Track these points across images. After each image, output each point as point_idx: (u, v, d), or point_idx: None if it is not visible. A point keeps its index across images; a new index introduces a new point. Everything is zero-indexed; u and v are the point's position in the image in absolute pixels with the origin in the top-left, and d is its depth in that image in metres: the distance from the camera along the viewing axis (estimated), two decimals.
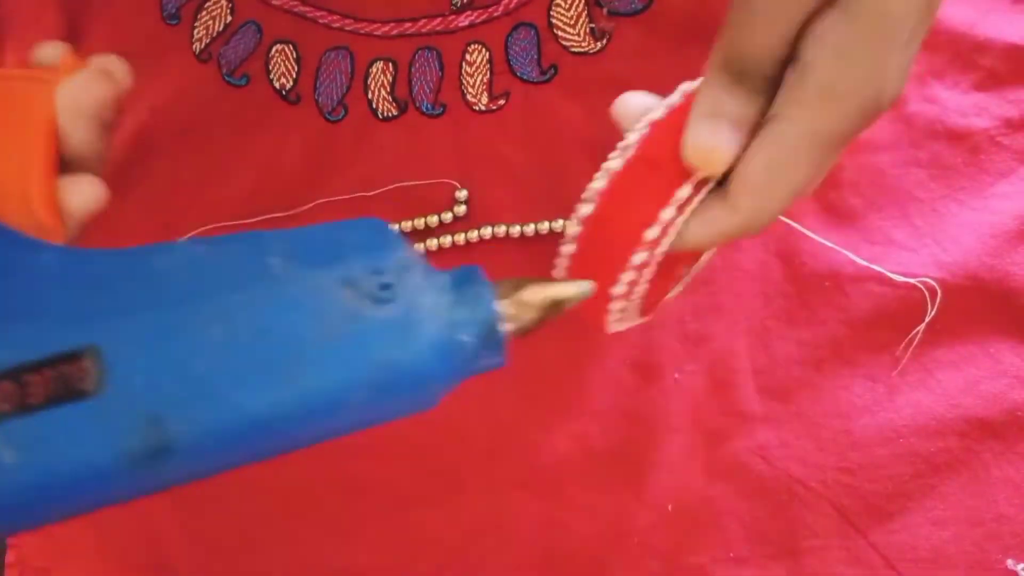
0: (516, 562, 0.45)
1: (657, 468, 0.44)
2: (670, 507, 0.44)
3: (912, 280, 0.45)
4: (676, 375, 0.45)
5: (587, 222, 0.33)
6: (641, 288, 0.33)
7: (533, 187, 0.46)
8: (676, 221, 0.32)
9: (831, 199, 0.46)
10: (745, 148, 0.31)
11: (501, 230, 0.45)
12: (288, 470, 0.46)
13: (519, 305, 0.30)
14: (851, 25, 0.29)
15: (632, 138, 0.33)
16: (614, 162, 0.33)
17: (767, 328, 0.45)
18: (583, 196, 0.34)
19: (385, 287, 0.27)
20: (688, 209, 0.32)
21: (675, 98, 0.33)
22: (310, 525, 0.46)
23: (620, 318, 0.34)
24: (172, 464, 0.26)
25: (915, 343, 0.45)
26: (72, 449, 0.24)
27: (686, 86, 0.33)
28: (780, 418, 0.45)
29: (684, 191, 0.32)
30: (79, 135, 0.30)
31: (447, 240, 0.45)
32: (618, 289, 0.33)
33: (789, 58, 0.30)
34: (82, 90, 0.30)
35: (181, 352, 0.25)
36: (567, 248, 0.34)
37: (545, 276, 0.32)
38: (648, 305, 0.35)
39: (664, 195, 0.32)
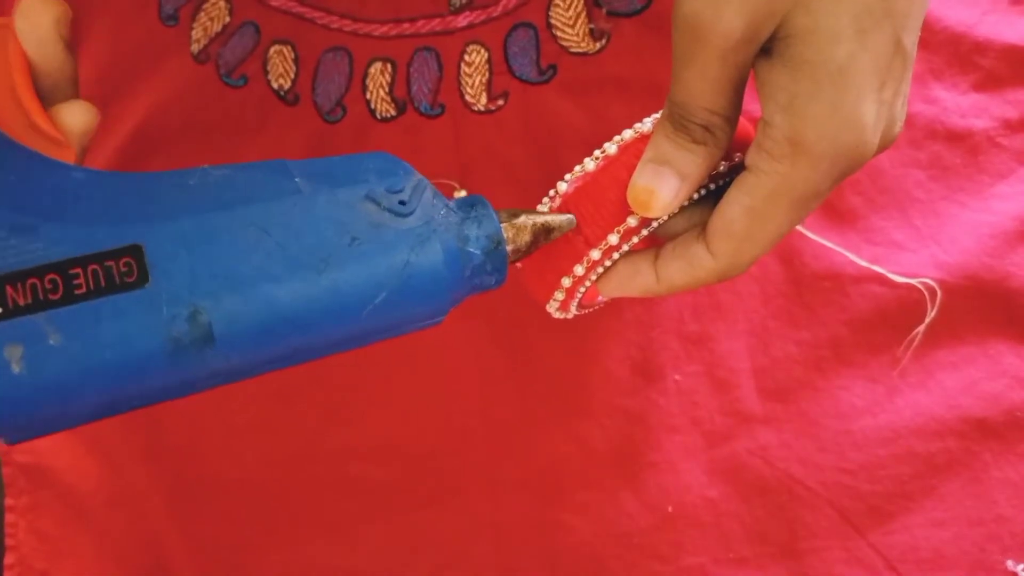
0: (516, 563, 0.45)
1: (657, 469, 0.44)
2: (670, 508, 0.44)
3: (912, 281, 0.45)
4: (676, 376, 0.45)
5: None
6: (582, 289, 0.35)
7: (532, 186, 0.45)
8: (621, 248, 0.34)
9: (831, 200, 0.45)
10: (685, 199, 0.32)
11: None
12: (287, 472, 0.46)
13: (516, 228, 0.32)
14: (797, 80, 0.29)
15: (587, 165, 0.35)
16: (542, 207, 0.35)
17: (767, 329, 0.45)
18: (550, 193, 0.35)
19: (403, 203, 0.30)
20: (633, 239, 0.34)
21: (611, 149, 0.34)
22: (308, 526, 0.46)
23: (559, 307, 0.36)
24: (212, 355, 0.27)
25: (915, 344, 0.45)
26: (116, 335, 0.26)
27: (637, 127, 0.34)
28: (780, 419, 0.44)
29: (632, 221, 0.33)
30: (49, 59, 0.31)
31: None
32: (564, 281, 0.35)
33: (734, 109, 0.31)
34: (35, 15, 0.31)
35: (219, 252, 0.27)
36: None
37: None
38: (584, 303, 0.37)
39: (611, 222, 0.34)
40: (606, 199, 0.33)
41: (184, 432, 0.47)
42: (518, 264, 0.36)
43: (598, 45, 0.46)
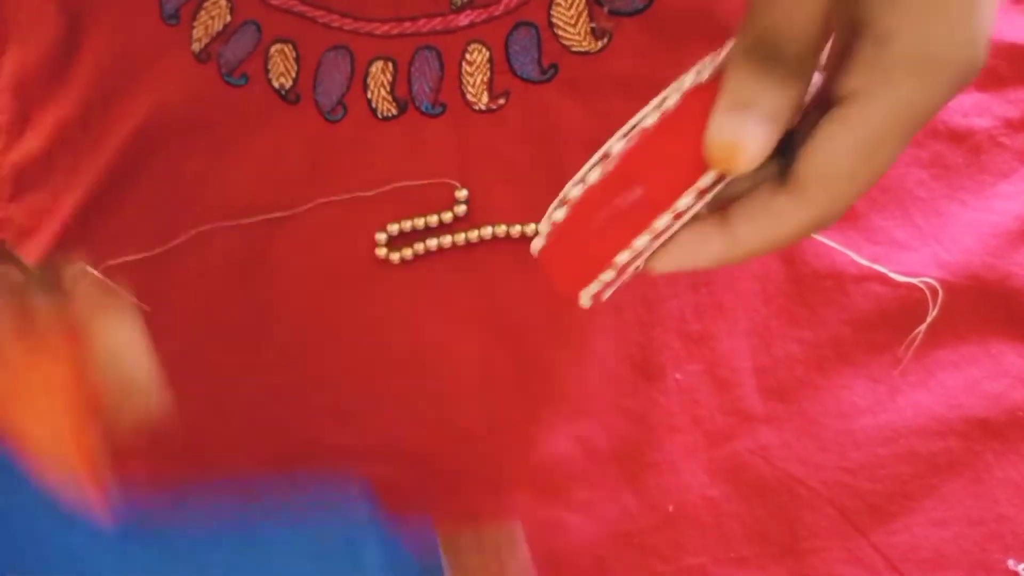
0: None
1: (658, 468, 0.44)
2: (671, 507, 0.44)
3: (913, 280, 0.44)
4: (677, 375, 0.45)
5: (572, 214, 0.30)
6: (639, 264, 0.31)
7: (533, 186, 0.46)
8: (671, 228, 0.29)
9: None
10: (773, 146, 0.28)
11: (501, 230, 0.45)
12: (286, 470, 0.46)
13: None
14: None
15: (616, 147, 0.30)
16: (593, 173, 0.30)
17: (768, 328, 0.45)
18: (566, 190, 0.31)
19: None
20: (704, 200, 0.29)
21: (672, 100, 0.29)
22: None
23: (599, 291, 0.31)
24: None
25: (916, 343, 0.45)
26: None
27: (683, 82, 0.29)
28: (781, 418, 0.44)
29: (685, 200, 0.29)
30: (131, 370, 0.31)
31: (447, 240, 0.45)
32: (620, 258, 0.30)
33: (831, 30, 0.27)
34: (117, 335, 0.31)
35: None
36: (549, 226, 0.31)
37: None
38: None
39: (680, 183, 0.28)
40: (673, 156, 0.28)
41: (184, 431, 0.46)
42: (537, 249, 0.31)
43: (600, 44, 0.46)
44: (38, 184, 0.49)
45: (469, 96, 0.46)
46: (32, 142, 0.49)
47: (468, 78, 0.46)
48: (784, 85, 0.27)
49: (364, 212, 0.46)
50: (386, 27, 0.47)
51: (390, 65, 0.47)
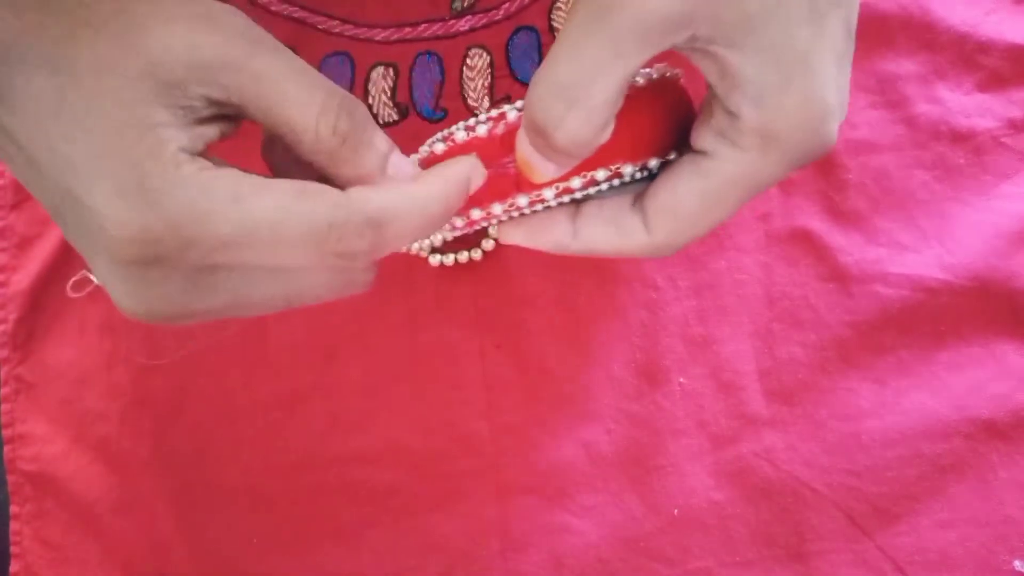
0: (521, 566, 0.45)
1: (663, 472, 0.44)
2: (676, 511, 0.44)
3: (917, 282, 0.44)
4: (681, 379, 0.45)
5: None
6: (486, 224, 0.33)
7: None
8: (527, 209, 0.32)
9: (835, 201, 0.45)
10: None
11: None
12: (292, 477, 0.46)
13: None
14: (764, 70, 0.28)
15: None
16: (481, 127, 0.32)
17: (771, 331, 0.45)
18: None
19: None
20: (565, 198, 0.32)
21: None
22: (314, 532, 0.46)
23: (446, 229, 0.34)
24: None
25: (920, 345, 0.45)
26: None
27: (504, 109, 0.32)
28: (786, 421, 0.44)
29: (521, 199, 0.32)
30: None
31: (449, 258, 0.45)
32: (474, 213, 0.33)
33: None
34: None
35: None
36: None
37: None
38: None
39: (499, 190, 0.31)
40: None
41: (190, 439, 0.46)
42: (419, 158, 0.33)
43: None
44: None
45: (470, 101, 0.46)
46: None
47: (469, 83, 0.46)
48: (558, 162, 0.30)
49: None
50: (386, 33, 0.47)
51: (391, 71, 0.47)
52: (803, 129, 0.28)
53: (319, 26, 0.47)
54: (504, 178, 0.31)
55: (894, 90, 0.46)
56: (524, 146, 0.30)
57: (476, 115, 0.33)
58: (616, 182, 0.32)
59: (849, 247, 0.45)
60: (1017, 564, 0.43)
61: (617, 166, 0.31)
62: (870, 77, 0.46)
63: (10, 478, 0.48)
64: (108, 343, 0.47)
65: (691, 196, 0.30)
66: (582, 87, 0.27)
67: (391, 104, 0.46)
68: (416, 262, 0.46)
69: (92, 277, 0.46)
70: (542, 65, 0.28)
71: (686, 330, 0.45)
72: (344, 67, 0.47)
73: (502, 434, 0.45)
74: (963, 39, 0.46)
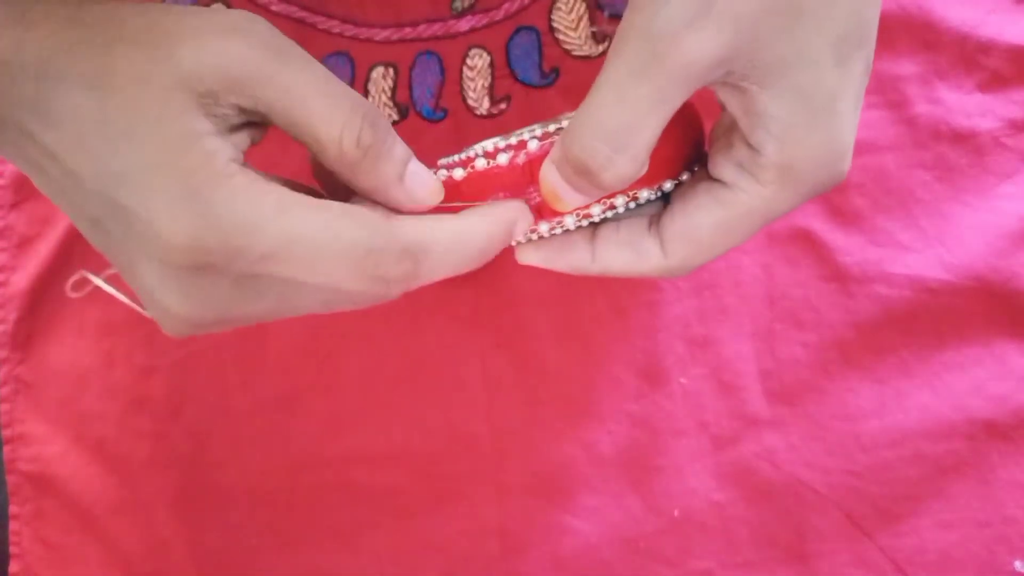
0: (522, 567, 0.45)
1: (664, 473, 0.44)
2: (677, 512, 0.44)
3: (918, 282, 0.44)
4: (682, 379, 0.45)
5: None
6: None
7: None
8: (547, 234, 0.33)
9: (836, 201, 0.45)
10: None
11: None
12: (292, 478, 0.46)
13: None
14: (793, 110, 0.29)
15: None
16: (503, 156, 0.32)
17: (773, 331, 0.45)
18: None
19: None
20: (584, 223, 0.33)
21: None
22: (314, 533, 0.46)
23: None
24: None
25: (921, 345, 0.45)
26: None
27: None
28: (787, 421, 0.44)
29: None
30: None
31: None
32: None
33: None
34: None
35: None
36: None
37: None
38: None
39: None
40: None
41: (189, 439, 0.46)
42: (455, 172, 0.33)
43: (600, 48, 0.46)
44: (39, 192, 0.49)
45: (470, 101, 0.46)
46: None
47: (469, 83, 0.46)
48: (593, 196, 0.31)
49: None
50: (387, 33, 0.47)
51: (391, 71, 0.47)
52: (823, 166, 0.30)
53: (319, 26, 0.47)
54: (527, 207, 0.32)
55: (894, 90, 0.46)
56: (552, 178, 0.31)
57: (495, 141, 0.33)
58: (632, 205, 0.33)
59: (850, 247, 0.45)
60: (1017, 564, 0.43)
61: (635, 191, 0.32)
62: (870, 77, 0.46)
63: (10, 478, 0.48)
64: (108, 343, 0.47)
65: (709, 224, 0.31)
66: (630, 133, 0.28)
67: (391, 104, 0.46)
68: None
69: (92, 277, 0.46)
70: (586, 107, 0.29)
71: (687, 330, 0.45)
72: (344, 67, 0.47)
73: (502, 434, 0.45)
74: (964, 39, 0.46)
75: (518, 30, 0.46)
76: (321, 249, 0.28)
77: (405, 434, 0.45)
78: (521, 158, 0.32)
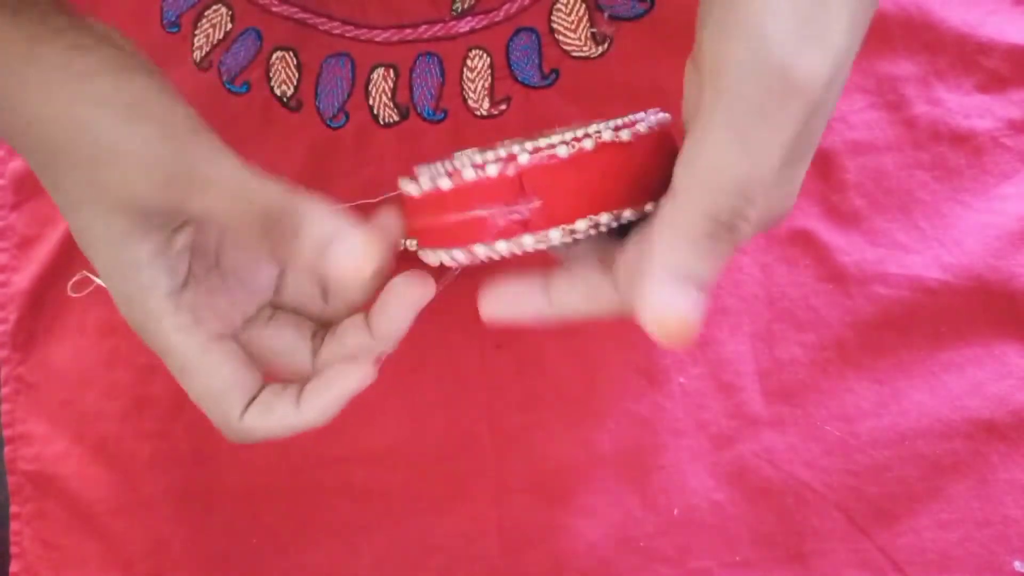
0: (522, 567, 0.45)
1: (663, 472, 0.44)
2: (676, 511, 0.44)
3: (917, 282, 0.44)
4: (681, 379, 0.45)
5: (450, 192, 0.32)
6: (462, 263, 0.34)
7: None
8: (529, 249, 0.32)
9: (835, 201, 0.45)
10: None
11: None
12: (293, 478, 0.46)
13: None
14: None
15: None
16: (492, 167, 0.31)
17: (771, 331, 0.45)
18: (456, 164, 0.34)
19: None
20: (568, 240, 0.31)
21: (587, 144, 0.31)
22: (315, 533, 0.46)
23: (440, 256, 0.34)
24: None
25: (920, 346, 0.45)
26: None
27: (601, 130, 0.31)
28: (786, 421, 0.44)
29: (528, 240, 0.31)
30: None
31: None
32: (478, 249, 0.32)
33: None
34: None
35: None
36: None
37: None
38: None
39: (560, 219, 0.31)
40: (570, 193, 0.30)
41: (189, 439, 0.46)
42: (406, 193, 0.34)
43: (600, 49, 0.46)
44: (40, 192, 0.49)
45: (470, 102, 0.46)
46: None
47: (469, 84, 0.47)
48: (725, 255, 0.27)
49: (366, 218, 0.46)
50: (387, 34, 0.47)
51: (391, 72, 0.47)
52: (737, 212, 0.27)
53: (320, 27, 0.47)
54: (513, 218, 0.31)
55: (893, 91, 0.46)
56: (667, 295, 0.27)
57: (481, 152, 0.33)
58: (613, 224, 0.31)
59: (848, 247, 0.45)
60: (1017, 564, 0.43)
61: (621, 211, 0.31)
62: (869, 78, 0.46)
63: (10, 478, 0.48)
64: (108, 343, 0.47)
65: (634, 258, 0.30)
66: (761, 180, 0.26)
67: (391, 105, 0.47)
68: (416, 261, 0.46)
69: (93, 277, 0.47)
70: (699, 156, 0.26)
71: None
72: (345, 68, 0.47)
73: (502, 434, 0.45)
74: (963, 40, 0.46)
75: (518, 31, 0.46)
76: (196, 395, 0.34)
77: (405, 434, 0.45)
78: (511, 170, 0.31)
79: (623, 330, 0.45)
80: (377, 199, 0.46)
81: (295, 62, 0.47)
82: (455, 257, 0.33)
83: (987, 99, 0.46)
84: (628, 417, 0.45)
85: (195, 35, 0.47)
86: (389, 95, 0.47)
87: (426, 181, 0.32)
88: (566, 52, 0.46)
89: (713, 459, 0.44)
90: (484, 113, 0.46)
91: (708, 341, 0.45)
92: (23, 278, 0.48)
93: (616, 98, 0.46)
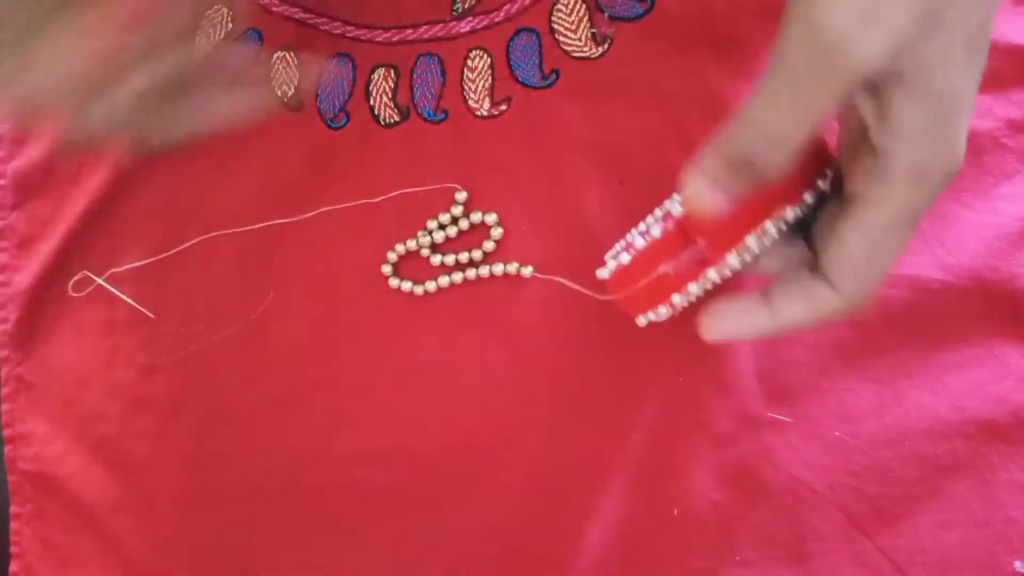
0: (522, 566, 0.45)
1: (663, 472, 0.44)
2: (676, 511, 0.44)
3: (917, 282, 0.44)
4: (681, 379, 0.45)
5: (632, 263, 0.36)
6: (669, 314, 0.37)
7: (535, 192, 0.46)
8: (716, 280, 0.35)
9: None
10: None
11: (499, 269, 0.45)
12: (293, 477, 0.46)
13: None
14: (925, 111, 0.30)
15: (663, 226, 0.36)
16: (655, 228, 0.36)
17: None
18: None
19: None
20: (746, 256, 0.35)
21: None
22: (315, 531, 0.46)
23: (653, 318, 0.38)
24: None
25: (920, 346, 0.45)
26: None
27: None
28: (786, 422, 0.44)
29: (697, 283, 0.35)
30: None
31: (458, 277, 0.45)
32: (676, 299, 0.36)
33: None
34: None
35: None
36: (614, 265, 0.37)
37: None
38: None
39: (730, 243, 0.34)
40: (727, 221, 0.33)
41: (190, 439, 0.47)
42: (604, 279, 0.37)
43: (600, 50, 0.46)
44: (41, 192, 0.49)
45: (471, 102, 0.46)
46: (34, 150, 0.49)
47: (470, 84, 0.47)
48: (745, 187, 0.31)
49: (367, 218, 0.46)
50: (388, 34, 0.47)
51: (392, 72, 0.47)
52: (949, 162, 0.31)
53: (321, 27, 0.47)
54: (692, 261, 0.35)
55: None
56: (697, 181, 0.32)
57: (644, 224, 0.38)
58: (783, 226, 0.34)
59: None
60: (1017, 564, 0.43)
61: (780, 212, 0.34)
62: None
63: (10, 478, 0.48)
64: (108, 343, 0.47)
65: (860, 245, 0.32)
66: (791, 137, 0.30)
67: (392, 105, 0.47)
68: (417, 262, 0.46)
69: (93, 277, 0.47)
70: (751, 111, 0.30)
71: (686, 330, 0.45)
72: (345, 68, 0.47)
73: (502, 434, 0.45)
74: None
75: (519, 31, 0.46)
76: None
77: (405, 434, 0.45)
78: (671, 225, 0.34)
79: (623, 330, 0.45)
80: (377, 199, 0.46)
81: (296, 62, 0.47)
82: (660, 314, 0.37)
83: (987, 99, 0.46)
84: (628, 417, 0.45)
85: (196, 35, 0.47)
86: (390, 95, 0.47)
87: (611, 262, 0.37)
88: (566, 52, 0.46)
89: (713, 459, 0.44)
90: (485, 113, 0.46)
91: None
92: (23, 278, 0.49)
93: (616, 98, 0.46)
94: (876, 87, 0.30)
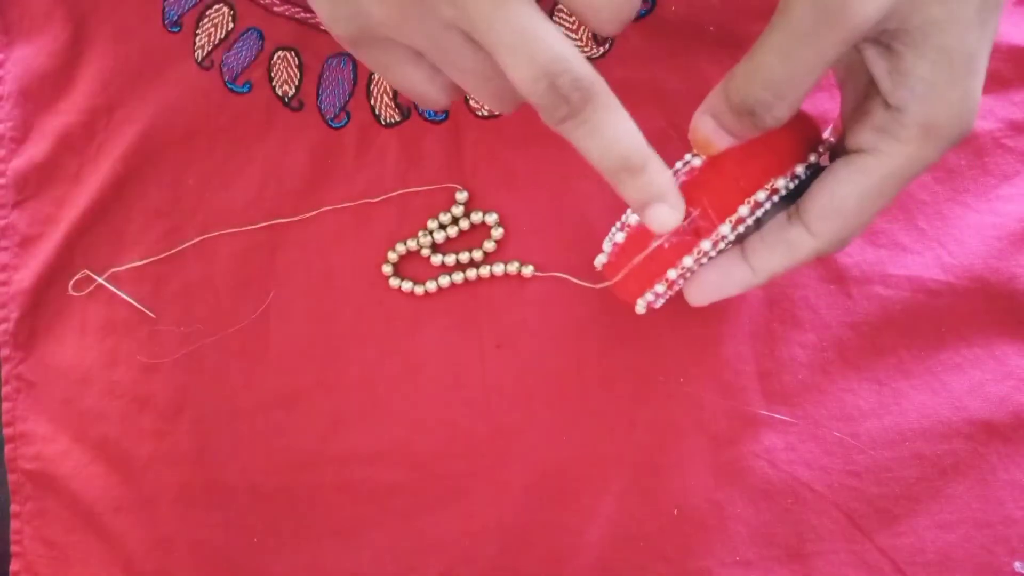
0: (522, 566, 0.45)
1: (663, 472, 0.44)
2: (676, 511, 0.44)
3: (917, 283, 0.44)
4: (681, 379, 0.45)
5: (630, 239, 0.37)
6: (681, 282, 0.38)
7: (535, 191, 0.46)
8: (711, 252, 0.36)
9: None
10: None
11: (500, 269, 0.45)
12: (293, 476, 0.46)
13: None
14: (936, 69, 0.31)
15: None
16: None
17: (771, 331, 0.45)
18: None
19: None
20: (740, 228, 0.35)
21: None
22: (315, 531, 0.46)
23: (652, 301, 0.38)
24: None
25: (920, 346, 0.45)
26: None
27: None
28: (786, 422, 0.44)
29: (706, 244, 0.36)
30: None
31: (458, 277, 0.45)
32: (670, 274, 0.37)
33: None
34: None
35: None
36: (614, 240, 0.38)
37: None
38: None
39: (723, 213, 0.35)
40: (718, 189, 0.35)
41: (190, 439, 0.47)
42: (601, 264, 0.38)
43: (601, 50, 0.46)
44: (41, 191, 0.49)
45: (472, 102, 0.46)
46: (35, 149, 0.49)
47: None
48: (745, 134, 0.33)
49: (367, 218, 0.46)
50: None
51: None
52: (961, 120, 0.32)
53: (321, 27, 0.47)
54: (685, 232, 0.35)
55: None
56: (705, 123, 0.33)
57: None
58: (775, 198, 0.35)
59: (849, 248, 0.45)
60: (1017, 565, 0.43)
61: (771, 183, 0.35)
62: None
63: (11, 477, 0.48)
64: (110, 342, 0.47)
65: (853, 194, 0.33)
66: (792, 87, 0.30)
67: (393, 105, 0.47)
68: (417, 262, 0.46)
69: (94, 276, 0.47)
70: (753, 61, 0.31)
71: (686, 331, 0.45)
72: (346, 68, 0.47)
73: (502, 434, 0.45)
74: None
75: None
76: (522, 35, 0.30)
77: (405, 434, 0.45)
78: None
79: (622, 330, 0.45)
80: (378, 199, 0.46)
81: (297, 62, 0.47)
82: (657, 292, 0.37)
83: (988, 100, 0.46)
84: (628, 417, 0.45)
85: (197, 35, 0.47)
86: (390, 95, 0.47)
87: (607, 244, 0.38)
88: None
89: (713, 459, 0.44)
90: (485, 113, 0.46)
91: (708, 341, 0.45)
92: (24, 277, 0.49)
93: (617, 97, 0.46)
94: (889, 45, 0.31)
